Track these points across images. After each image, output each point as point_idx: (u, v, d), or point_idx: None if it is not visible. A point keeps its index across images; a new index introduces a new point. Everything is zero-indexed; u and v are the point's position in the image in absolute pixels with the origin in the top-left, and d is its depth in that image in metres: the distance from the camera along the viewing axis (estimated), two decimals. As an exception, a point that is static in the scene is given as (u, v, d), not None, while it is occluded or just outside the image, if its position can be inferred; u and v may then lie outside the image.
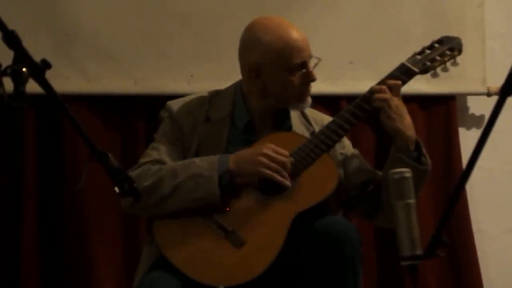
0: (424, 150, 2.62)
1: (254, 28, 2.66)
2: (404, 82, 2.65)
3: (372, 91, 2.61)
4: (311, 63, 2.64)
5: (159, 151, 2.65)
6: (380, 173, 2.69)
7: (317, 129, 2.72)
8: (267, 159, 2.51)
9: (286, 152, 2.54)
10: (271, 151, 2.53)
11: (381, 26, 3.72)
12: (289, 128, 2.71)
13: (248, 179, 2.54)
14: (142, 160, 2.65)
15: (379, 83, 2.63)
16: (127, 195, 2.12)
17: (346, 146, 2.74)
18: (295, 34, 2.62)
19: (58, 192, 3.53)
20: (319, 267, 2.42)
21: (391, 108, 2.58)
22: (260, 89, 2.65)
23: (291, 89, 2.63)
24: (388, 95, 2.58)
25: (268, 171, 2.51)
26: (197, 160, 2.57)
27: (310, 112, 2.78)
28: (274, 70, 2.62)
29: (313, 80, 2.64)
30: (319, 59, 2.64)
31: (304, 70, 2.62)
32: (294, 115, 2.74)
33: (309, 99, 2.68)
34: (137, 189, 2.13)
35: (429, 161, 2.62)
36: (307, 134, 2.71)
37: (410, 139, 2.60)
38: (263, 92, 2.66)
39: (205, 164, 2.54)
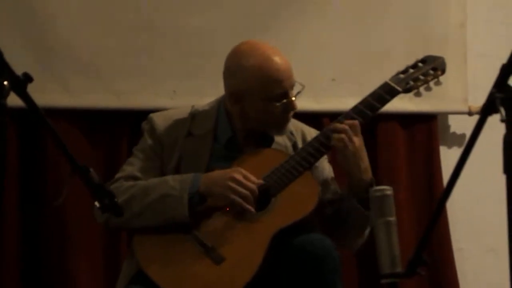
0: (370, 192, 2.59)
1: (238, 54, 2.66)
2: (386, 101, 2.65)
3: (332, 128, 2.59)
4: (294, 91, 2.64)
5: (133, 166, 2.66)
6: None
7: (298, 139, 2.73)
8: (236, 184, 2.51)
9: (255, 179, 2.53)
10: (241, 176, 2.53)
11: (364, 44, 3.74)
12: (271, 139, 2.70)
13: (217, 202, 2.54)
14: (117, 175, 2.66)
15: (345, 115, 2.61)
16: (107, 210, 2.11)
17: (320, 160, 2.74)
18: (277, 63, 2.60)
19: (39, 207, 3.51)
20: (299, 284, 2.42)
21: (348, 149, 2.55)
22: (240, 113, 2.66)
23: (270, 118, 2.63)
24: (346, 136, 2.56)
25: (235, 197, 2.51)
26: (170, 179, 2.57)
27: (293, 122, 2.76)
28: (254, 98, 2.61)
29: (294, 109, 2.63)
30: (303, 86, 2.64)
31: (284, 100, 2.61)
32: None
33: (288, 127, 2.68)
34: (118, 204, 2.12)
35: None
36: (289, 144, 2.72)
37: (364, 182, 2.57)
38: (243, 116, 2.66)
39: (177, 184, 2.54)
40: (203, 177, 2.56)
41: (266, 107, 2.61)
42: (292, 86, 2.62)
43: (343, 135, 2.56)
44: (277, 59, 2.61)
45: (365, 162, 2.59)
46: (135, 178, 2.62)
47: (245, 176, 2.53)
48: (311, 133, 2.78)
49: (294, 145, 2.72)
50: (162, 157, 2.67)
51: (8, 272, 3.42)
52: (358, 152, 2.57)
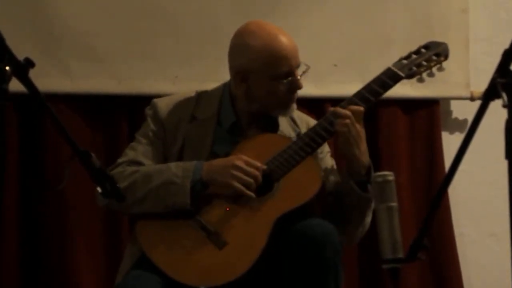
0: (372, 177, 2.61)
1: (244, 33, 2.67)
2: (389, 87, 2.65)
3: (335, 113, 2.59)
4: (299, 71, 2.64)
5: (136, 151, 2.66)
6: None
7: (303, 130, 2.73)
8: (238, 171, 2.52)
9: (258, 164, 2.54)
10: (243, 163, 2.53)
11: (366, 30, 3.73)
12: (275, 127, 2.70)
13: (220, 190, 2.54)
14: (119, 160, 2.66)
15: (348, 101, 2.61)
16: (109, 195, 2.11)
17: (323, 151, 2.74)
18: (283, 42, 2.62)
19: (40, 192, 3.50)
20: (300, 269, 2.42)
21: (351, 134, 2.56)
22: (245, 93, 2.66)
23: (275, 97, 2.63)
24: (350, 121, 2.56)
25: (238, 185, 2.51)
26: (172, 166, 2.57)
27: (297, 113, 2.78)
28: (260, 76, 2.62)
29: (299, 88, 2.64)
30: (308, 67, 2.64)
31: (290, 78, 2.62)
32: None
33: (294, 106, 2.68)
34: (119, 190, 2.13)
35: None
36: (293, 134, 2.72)
37: (363, 165, 2.59)
38: (248, 96, 2.66)
39: (180, 172, 2.54)
40: (205, 165, 2.56)
41: (272, 86, 2.62)
42: (297, 66, 2.63)
43: (347, 121, 2.56)
44: (283, 37, 2.63)
45: (364, 145, 2.59)
46: (138, 163, 2.63)
47: (247, 163, 2.53)
48: (311, 121, 2.78)
49: (299, 136, 2.72)
50: (165, 142, 2.67)
51: (8, 258, 3.42)
52: (360, 136, 2.57)
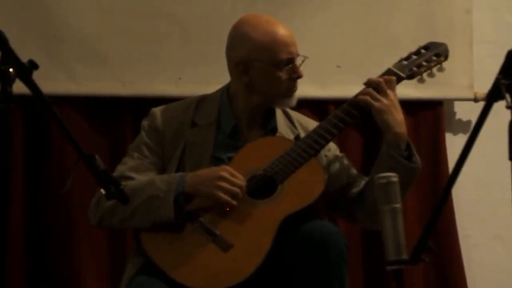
0: (414, 151, 2.62)
1: (242, 24, 2.69)
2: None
3: (357, 95, 2.63)
4: (298, 61, 2.66)
5: (126, 166, 2.67)
6: (364, 177, 2.70)
7: (301, 132, 2.73)
8: (224, 182, 2.52)
9: (241, 177, 2.53)
10: (228, 174, 2.53)
11: (370, 31, 3.73)
12: (274, 128, 2.71)
13: (205, 201, 2.54)
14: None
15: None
16: (113, 197, 2.12)
17: (331, 149, 2.74)
18: (282, 30, 2.65)
19: (45, 195, 3.51)
20: (305, 271, 2.43)
21: (382, 102, 2.57)
22: (246, 85, 2.66)
23: (277, 85, 2.64)
24: (371, 91, 2.59)
25: (223, 195, 2.51)
26: (157, 179, 2.57)
27: (296, 115, 2.79)
28: (261, 65, 2.63)
29: (300, 76, 2.66)
30: (306, 57, 2.66)
31: (290, 65, 2.64)
32: (280, 117, 2.74)
33: (295, 97, 2.68)
34: (123, 192, 2.13)
35: (419, 161, 2.62)
36: (291, 136, 2.72)
37: (401, 136, 2.59)
38: (249, 89, 2.66)
39: (164, 185, 2.54)
40: (188, 176, 2.55)
41: (273, 74, 2.63)
42: (297, 54, 2.65)
43: (368, 89, 2.60)
44: (281, 26, 2.67)
45: (400, 115, 2.61)
46: (127, 177, 2.62)
47: (232, 173, 2.54)
48: (310, 123, 2.78)
49: (297, 138, 2.72)
50: (162, 151, 2.67)
51: (13, 262, 3.41)
52: (393, 104, 2.59)
